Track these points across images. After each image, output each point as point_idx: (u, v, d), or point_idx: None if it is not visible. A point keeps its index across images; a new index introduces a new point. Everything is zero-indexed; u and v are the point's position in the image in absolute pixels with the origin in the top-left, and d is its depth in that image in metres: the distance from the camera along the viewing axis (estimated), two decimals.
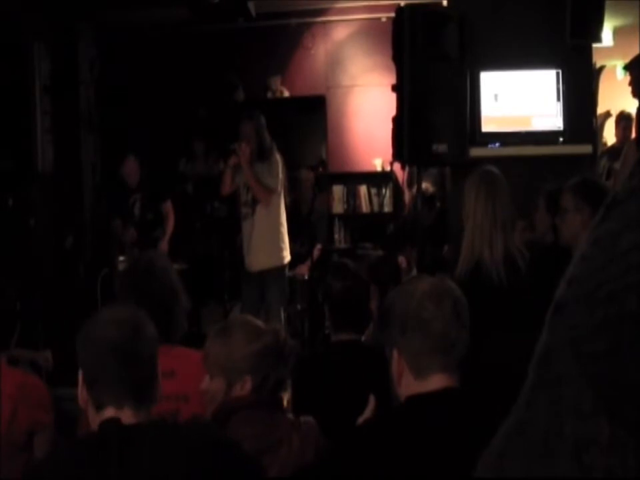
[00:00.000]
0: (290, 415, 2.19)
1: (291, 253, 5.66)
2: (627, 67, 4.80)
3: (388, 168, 7.83)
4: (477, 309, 1.96)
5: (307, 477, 2.08)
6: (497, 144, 4.72)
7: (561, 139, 4.72)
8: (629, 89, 4.56)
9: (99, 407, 1.76)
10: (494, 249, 3.11)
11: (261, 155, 5.40)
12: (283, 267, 5.57)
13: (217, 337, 2.24)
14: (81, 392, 1.80)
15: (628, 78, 4.71)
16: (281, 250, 5.54)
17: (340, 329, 2.86)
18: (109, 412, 1.75)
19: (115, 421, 1.71)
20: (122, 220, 6.42)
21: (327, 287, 2.93)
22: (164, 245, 6.33)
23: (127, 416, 1.74)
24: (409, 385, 1.83)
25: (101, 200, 7.34)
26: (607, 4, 4.63)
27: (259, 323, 2.28)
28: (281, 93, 8.17)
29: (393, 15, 4.69)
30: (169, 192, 6.68)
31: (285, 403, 2.52)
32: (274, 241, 5.49)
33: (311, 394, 2.70)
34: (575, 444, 0.54)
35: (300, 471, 2.05)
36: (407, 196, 7.41)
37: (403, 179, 7.09)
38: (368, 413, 2.09)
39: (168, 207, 6.50)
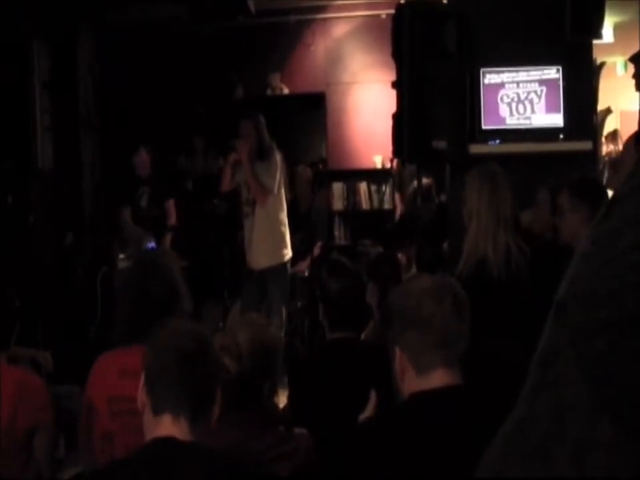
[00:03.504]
0: (282, 428, 2.14)
1: (291, 250, 5.65)
2: (632, 59, 4.76)
3: (388, 165, 7.82)
4: (478, 307, 1.96)
5: (310, 475, 2.07)
6: (497, 141, 4.71)
7: (562, 136, 4.71)
8: (629, 85, 4.53)
9: (156, 412, 1.76)
10: (497, 248, 3.12)
11: (261, 153, 5.39)
12: (284, 264, 5.56)
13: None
14: (140, 394, 1.81)
15: (628, 74, 4.68)
16: (281, 248, 5.53)
17: (337, 327, 2.85)
18: (166, 420, 1.74)
19: (166, 442, 1.72)
20: (130, 210, 6.45)
21: (324, 286, 2.90)
22: (167, 240, 6.34)
23: (183, 429, 1.74)
24: (411, 382, 1.84)
25: (100, 194, 7.34)
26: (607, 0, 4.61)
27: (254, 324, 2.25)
28: (281, 90, 8.16)
29: (392, 11, 4.68)
30: (174, 190, 6.71)
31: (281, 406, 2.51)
32: (274, 239, 5.48)
33: (308, 393, 2.70)
34: (576, 445, 0.54)
35: (303, 471, 2.05)
36: (397, 196, 7.44)
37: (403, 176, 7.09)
38: (369, 409, 2.08)
39: (170, 204, 6.53)
